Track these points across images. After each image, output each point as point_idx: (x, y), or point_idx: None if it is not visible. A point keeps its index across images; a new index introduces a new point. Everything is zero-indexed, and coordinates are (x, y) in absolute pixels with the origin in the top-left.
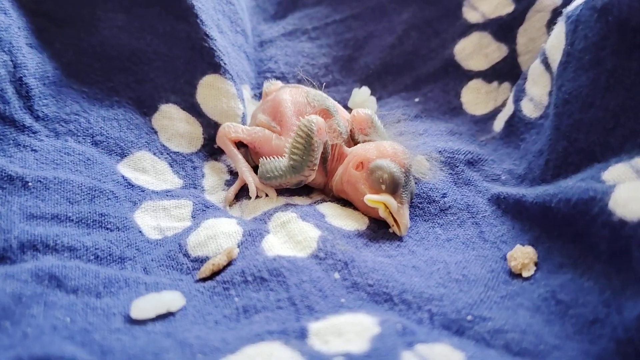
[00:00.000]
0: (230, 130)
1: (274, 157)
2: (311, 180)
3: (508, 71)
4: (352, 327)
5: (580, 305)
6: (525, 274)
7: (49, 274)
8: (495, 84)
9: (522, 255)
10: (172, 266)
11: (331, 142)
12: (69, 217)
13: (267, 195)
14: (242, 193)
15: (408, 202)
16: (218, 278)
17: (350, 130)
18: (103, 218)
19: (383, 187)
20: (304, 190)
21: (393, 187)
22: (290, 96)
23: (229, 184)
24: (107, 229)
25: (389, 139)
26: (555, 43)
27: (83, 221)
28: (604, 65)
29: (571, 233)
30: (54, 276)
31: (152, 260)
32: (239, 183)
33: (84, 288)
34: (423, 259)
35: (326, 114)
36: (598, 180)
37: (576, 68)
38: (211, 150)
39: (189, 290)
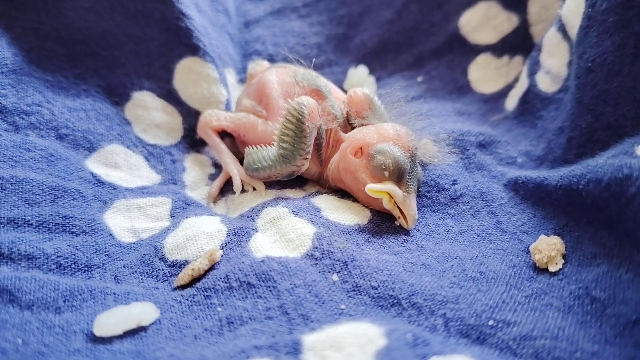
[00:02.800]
0: (211, 119)
1: (260, 146)
2: (304, 171)
3: (520, 43)
4: (353, 340)
5: (620, 303)
6: (552, 269)
7: (0, 287)
8: (505, 58)
9: (548, 247)
10: (147, 273)
11: (325, 126)
12: (28, 221)
13: (254, 189)
14: (228, 188)
15: (415, 190)
16: (198, 285)
17: (347, 113)
18: (67, 221)
19: (386, 174)
20: (297, 181)
21: (398, 174)
22: (277, 76)
23: (212, 178)
24: (72, 233)
25: (389, 122)
26: (573, 7)
27: (44, 225)
28: (631, 27)
29: (603, 219)
30: (6, 290)
31: (124, 266)
32: (223, 176)
33: (40, 302)
34: (434, 255)
35: (318, 94)
36: (632, 155)
37: (599, 32)
38: (192, 141)
39: (164, 300)
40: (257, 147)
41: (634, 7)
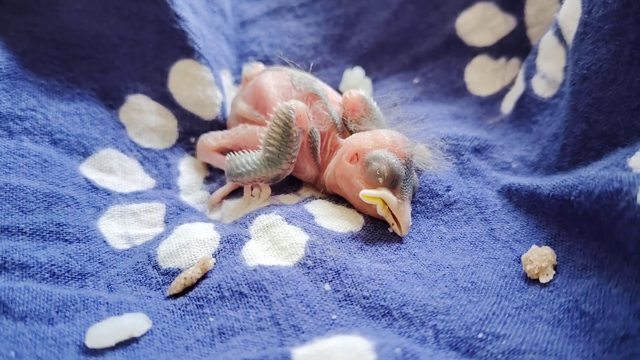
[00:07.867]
0: (210, 141)
1: (242, 152)
2: (303, 175)
3: (516, 46)
4: (343, 354)
5: (608, 318)
6: (543, 280)
7: None
8: (502, 60)
9: (539, 258)
10: (140, 281)
11: (320, 129)
12: (21, 229)
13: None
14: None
15: (409, 198)
16: (191, 294)
17: (344, 116)
18: (61, 228)
19: (380, 180)
20: (292, 186)
21: (392, 181)
22: (273, 80)
23: (208, 182)
24: (66, 240)
25: (386, 126)
26: (570, 12)
27: (37, 233)
28: (626, 35)
29: (594, 230)
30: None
31: (117, 274)
32: (229, 187)
33: (33, 314)
34: (426, 263)
35: (314, 98)
36: (623, 167)
37: (595, 39)
38: (187, 145)
39: (157, 309)
40: (238, 153)
41: (630, 15)
